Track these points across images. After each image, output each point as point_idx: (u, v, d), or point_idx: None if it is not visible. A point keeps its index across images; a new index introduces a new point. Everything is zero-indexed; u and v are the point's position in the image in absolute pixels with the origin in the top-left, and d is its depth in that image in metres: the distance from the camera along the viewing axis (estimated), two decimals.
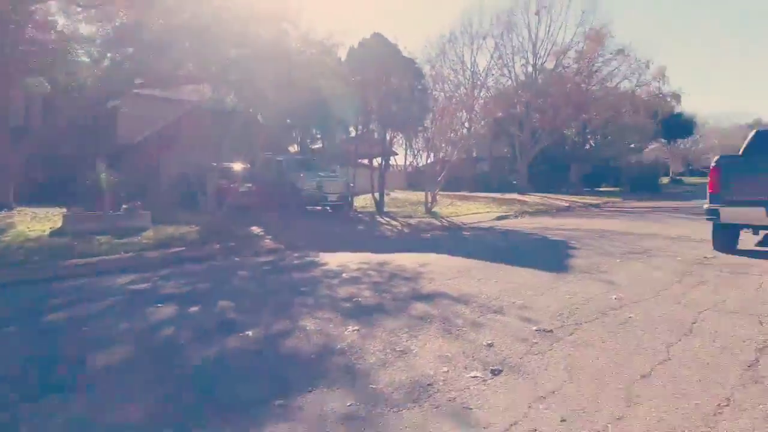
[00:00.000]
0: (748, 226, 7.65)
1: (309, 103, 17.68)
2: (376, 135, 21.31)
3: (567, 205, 21.81)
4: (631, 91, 32.31)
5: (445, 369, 3.27)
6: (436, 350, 3.66)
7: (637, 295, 5.28)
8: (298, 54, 15.53)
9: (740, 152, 8.77)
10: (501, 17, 34.30)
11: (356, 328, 4.21)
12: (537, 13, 32.94)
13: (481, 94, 35.54)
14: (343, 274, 6.77)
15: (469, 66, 35.73)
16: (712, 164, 7.57)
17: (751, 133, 9.01)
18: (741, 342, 3.74)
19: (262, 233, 10.93)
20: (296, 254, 8.73)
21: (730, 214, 7.26)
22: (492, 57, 34.73)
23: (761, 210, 6.89)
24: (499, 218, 15.89)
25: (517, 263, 7.30)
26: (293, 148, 27.23)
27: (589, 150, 36.06)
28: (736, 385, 2.99)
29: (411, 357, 3.52)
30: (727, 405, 2.73)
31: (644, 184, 31.78)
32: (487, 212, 17.54)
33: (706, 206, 7.52)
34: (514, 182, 30.27)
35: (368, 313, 4.69)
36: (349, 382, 3.11)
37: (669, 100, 34.63)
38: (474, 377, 3.14)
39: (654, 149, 41.91)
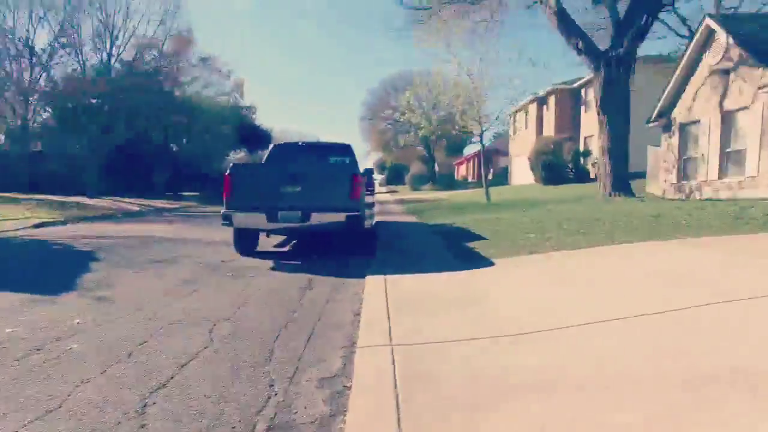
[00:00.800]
0: (260, 230, 8.33)
1: None
2: None
3: (139, 209, 20.40)
4: (213, 99, 33.48)
5: None
6: None
7: (112, 315, 4.64)
8: None
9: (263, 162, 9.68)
10: None
11: None
12: None
13: (43, 76, 30.04)
14: None
15: (26, 39, 29.45)
16: (226, 172, 7.86)
17: (270, 147, 10.10)
18: (169, 362, 3.50)
19: None
20: None
21: (241, 219, 7.65)
22: (56, 34, 29.68)
23: (263, 216, 7.51)
24: (38, 226, 13.13)
25: None
26: None
27: (176, 153, 35.40)
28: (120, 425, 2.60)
29: None
30: None
31: (222, 190, 33.38)
32: (27, 218, 14.33)
33: (222, 211, 7.74)
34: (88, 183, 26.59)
35: None
36: None
37: (245, 112, 37.68)
38: None
39: (239, 157, 44.90)
